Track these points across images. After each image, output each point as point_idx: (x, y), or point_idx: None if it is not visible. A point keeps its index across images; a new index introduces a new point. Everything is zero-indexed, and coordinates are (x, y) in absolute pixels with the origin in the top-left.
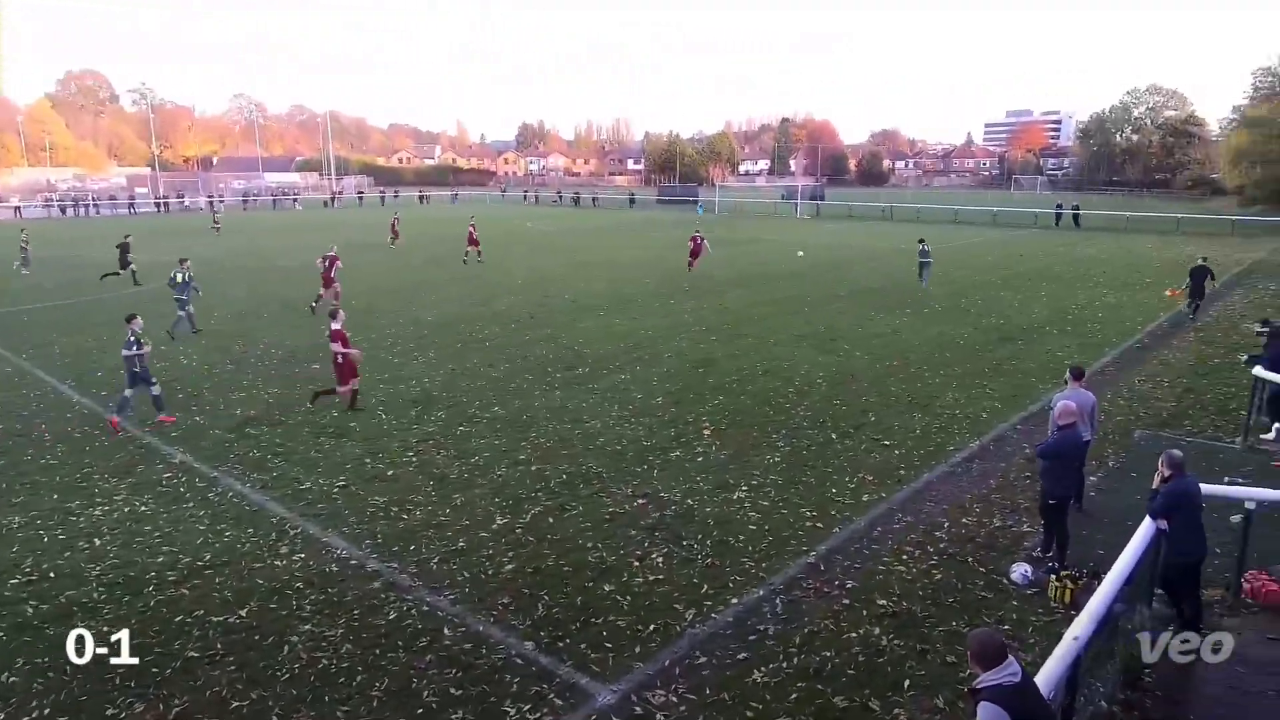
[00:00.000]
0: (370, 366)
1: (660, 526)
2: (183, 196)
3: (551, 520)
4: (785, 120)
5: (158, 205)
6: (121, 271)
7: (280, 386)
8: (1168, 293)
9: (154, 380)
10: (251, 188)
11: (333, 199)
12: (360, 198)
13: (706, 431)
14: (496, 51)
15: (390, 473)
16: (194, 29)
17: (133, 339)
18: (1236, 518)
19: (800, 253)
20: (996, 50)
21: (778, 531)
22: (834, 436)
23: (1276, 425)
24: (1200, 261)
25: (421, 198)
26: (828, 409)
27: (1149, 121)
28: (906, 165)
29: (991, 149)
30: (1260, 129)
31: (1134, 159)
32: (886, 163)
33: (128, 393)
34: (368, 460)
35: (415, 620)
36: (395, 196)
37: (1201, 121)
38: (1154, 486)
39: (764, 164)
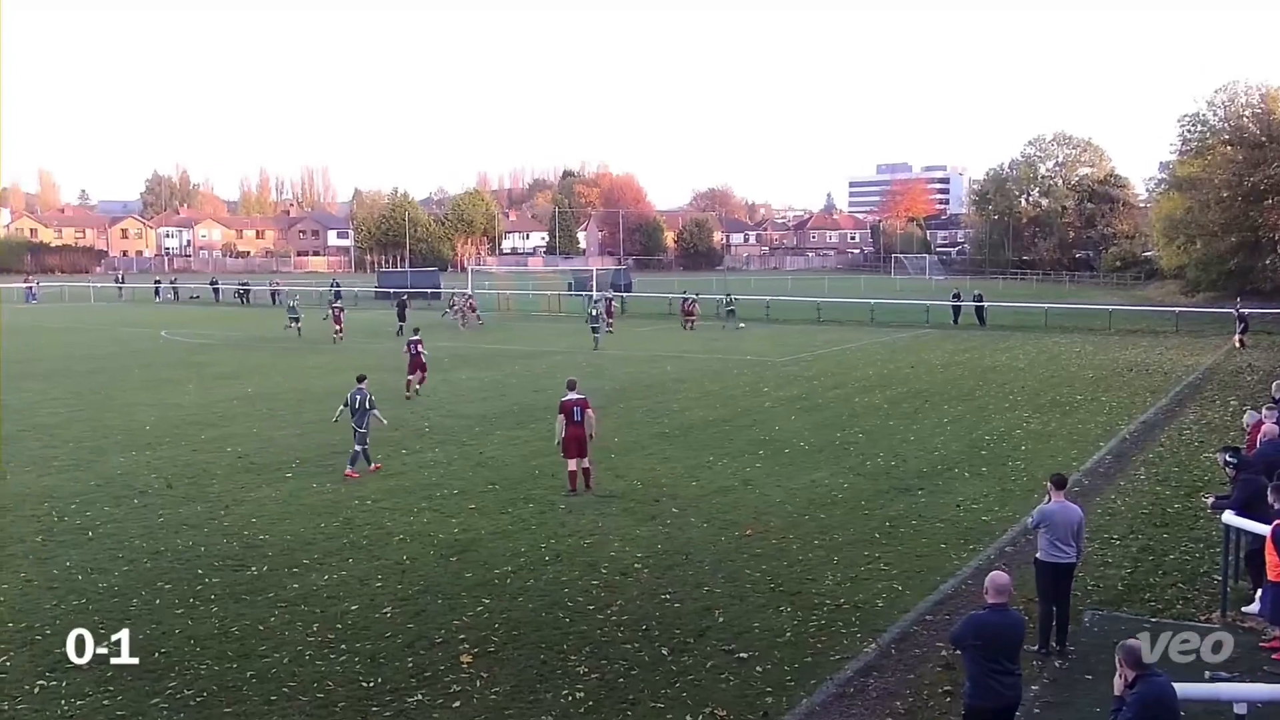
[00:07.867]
0: None
1: None
2: None
3: None
4: (569, 175)
5: None
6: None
7: None
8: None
9: None
10: None
11: None
12: None
13: (466, 659)
14: (104, 63)
15: None
16: None
17: None
18: None
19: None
20: (859, 88)
21: None
22: (664, 652)
23: (1260, 591)
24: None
25: None
26: (653, 608)
27: (1060, 181)
28: (746, 239)
29: (860, 217)
30: (1195, 193)
31: (1046, 231)
32: (719, 236)
33: None
34: None
35: None
36: None
37: (1125, 182)
38: (1116, 693)
39: (540, 238)
